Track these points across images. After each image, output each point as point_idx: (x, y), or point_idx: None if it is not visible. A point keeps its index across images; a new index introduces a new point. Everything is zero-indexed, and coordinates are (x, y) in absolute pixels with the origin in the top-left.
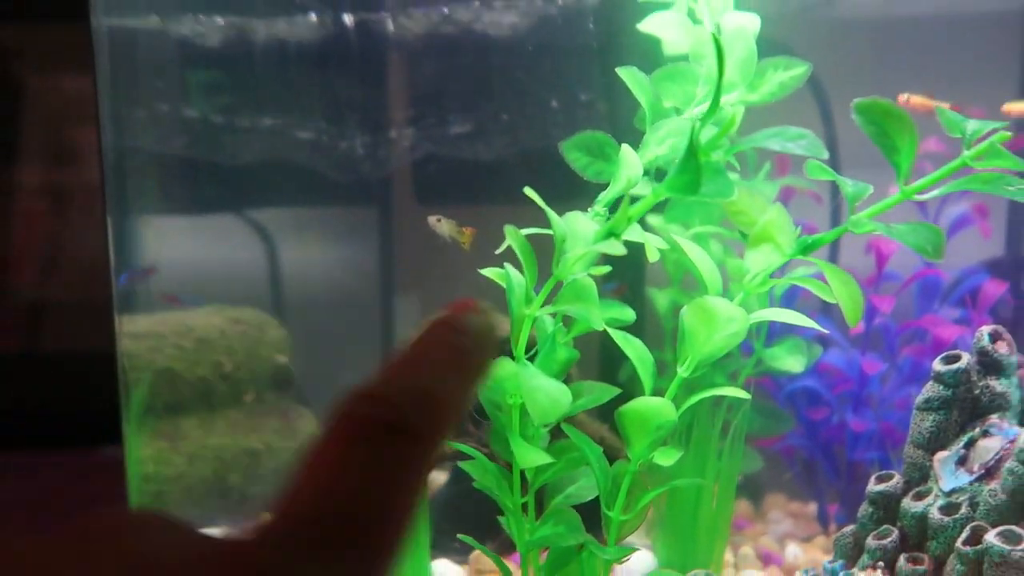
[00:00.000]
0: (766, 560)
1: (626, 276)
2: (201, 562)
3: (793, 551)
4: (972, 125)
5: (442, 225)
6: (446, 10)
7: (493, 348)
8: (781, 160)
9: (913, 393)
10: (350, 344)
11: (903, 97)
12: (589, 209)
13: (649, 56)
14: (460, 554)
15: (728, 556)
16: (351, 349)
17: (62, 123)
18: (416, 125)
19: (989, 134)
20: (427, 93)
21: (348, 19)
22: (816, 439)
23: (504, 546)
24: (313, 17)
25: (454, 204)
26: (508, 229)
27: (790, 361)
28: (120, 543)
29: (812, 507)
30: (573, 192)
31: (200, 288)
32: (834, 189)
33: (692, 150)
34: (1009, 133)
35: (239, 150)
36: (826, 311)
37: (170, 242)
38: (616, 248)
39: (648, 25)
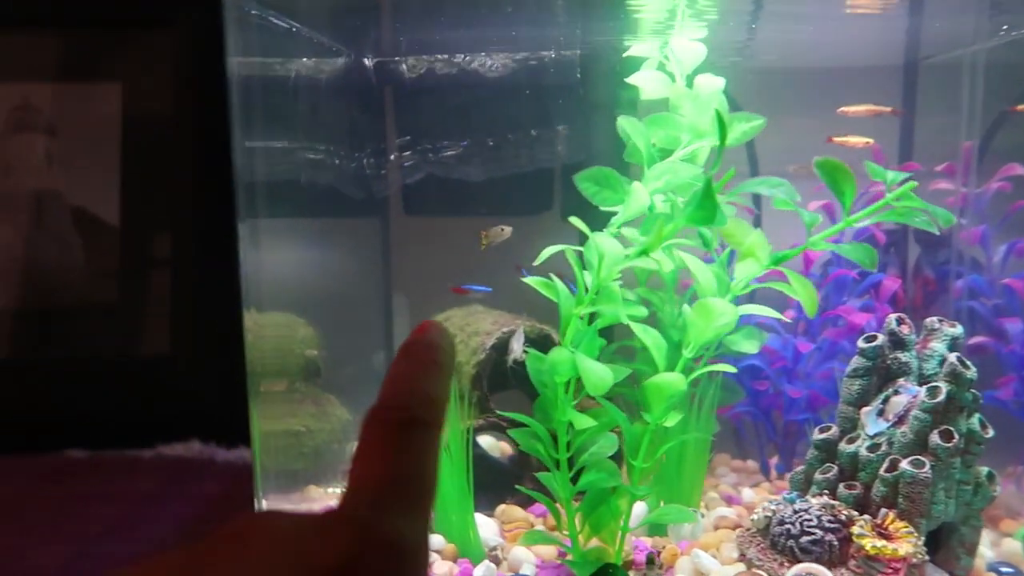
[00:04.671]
0: (729, 500)
1: None
2: (324, 526)
3: (748, 493)
4: (891, 175)
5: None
6: (445, 55)
7: (455, 354)
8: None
9: (835, 367)
10: (359, 336)
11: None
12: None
13: (625, 97)
14: (488, 509)
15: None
16: (360, 341)
17: None
18: (413, 149)
19: (904, 182)
20: (425, 122)
21: (367, 60)
22: (759, 406)
23: (523, 501)
24: (340, 59)
25: (441, 215)
26: (567, 250)
27: (747, 344)
28: (263, 543)
29: (750, 463)
30: (542, 206)
31: None
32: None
33: (708, 192)
34: (915, 182)
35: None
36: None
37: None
38: (649, 263)
39: (635, 79)
